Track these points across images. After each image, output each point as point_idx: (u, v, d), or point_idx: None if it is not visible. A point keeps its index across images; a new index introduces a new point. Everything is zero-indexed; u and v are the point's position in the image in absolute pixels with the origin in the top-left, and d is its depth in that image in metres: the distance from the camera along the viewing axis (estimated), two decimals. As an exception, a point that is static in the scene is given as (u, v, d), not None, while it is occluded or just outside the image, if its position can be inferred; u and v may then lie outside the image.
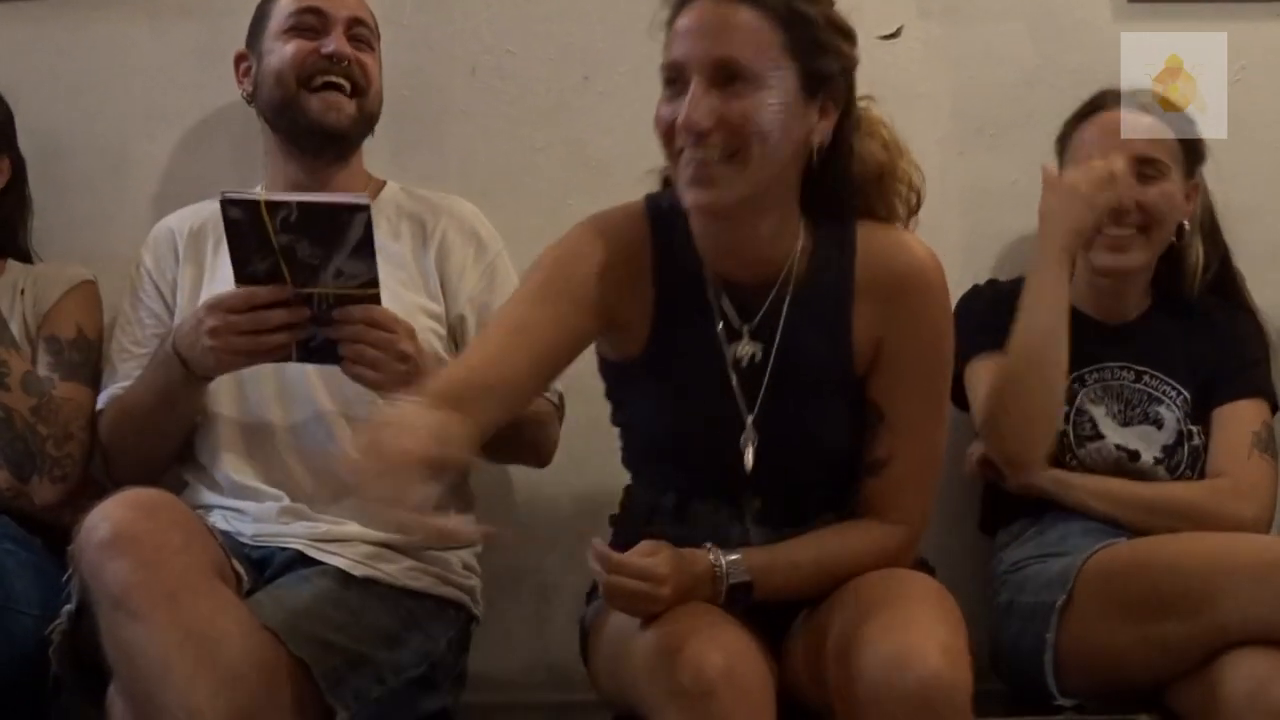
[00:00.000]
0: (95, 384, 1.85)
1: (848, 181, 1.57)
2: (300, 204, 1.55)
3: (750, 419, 1.57)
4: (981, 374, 1.86)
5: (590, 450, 1.90)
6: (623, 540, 1.59)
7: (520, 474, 1.92)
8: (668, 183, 1.60)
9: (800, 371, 1.56)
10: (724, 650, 1.40)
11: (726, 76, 1.46)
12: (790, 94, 1.48)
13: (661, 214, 1.59)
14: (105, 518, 1.49)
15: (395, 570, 1.72)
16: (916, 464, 1.58)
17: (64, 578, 1.59)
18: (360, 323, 1.62)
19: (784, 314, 1.57)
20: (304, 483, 1.77)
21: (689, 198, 1.49)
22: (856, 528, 1.58)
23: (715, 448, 1.57)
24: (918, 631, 1.40)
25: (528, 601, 2.06)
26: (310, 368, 1.75)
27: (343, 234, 1.55)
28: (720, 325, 1.57)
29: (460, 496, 1.85)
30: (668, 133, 1.49)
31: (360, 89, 1.85)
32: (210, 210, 1.89)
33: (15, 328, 1.83)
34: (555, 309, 1.53)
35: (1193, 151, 1.92)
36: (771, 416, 1.56)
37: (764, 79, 1.46)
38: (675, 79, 1.48)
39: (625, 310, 1.57)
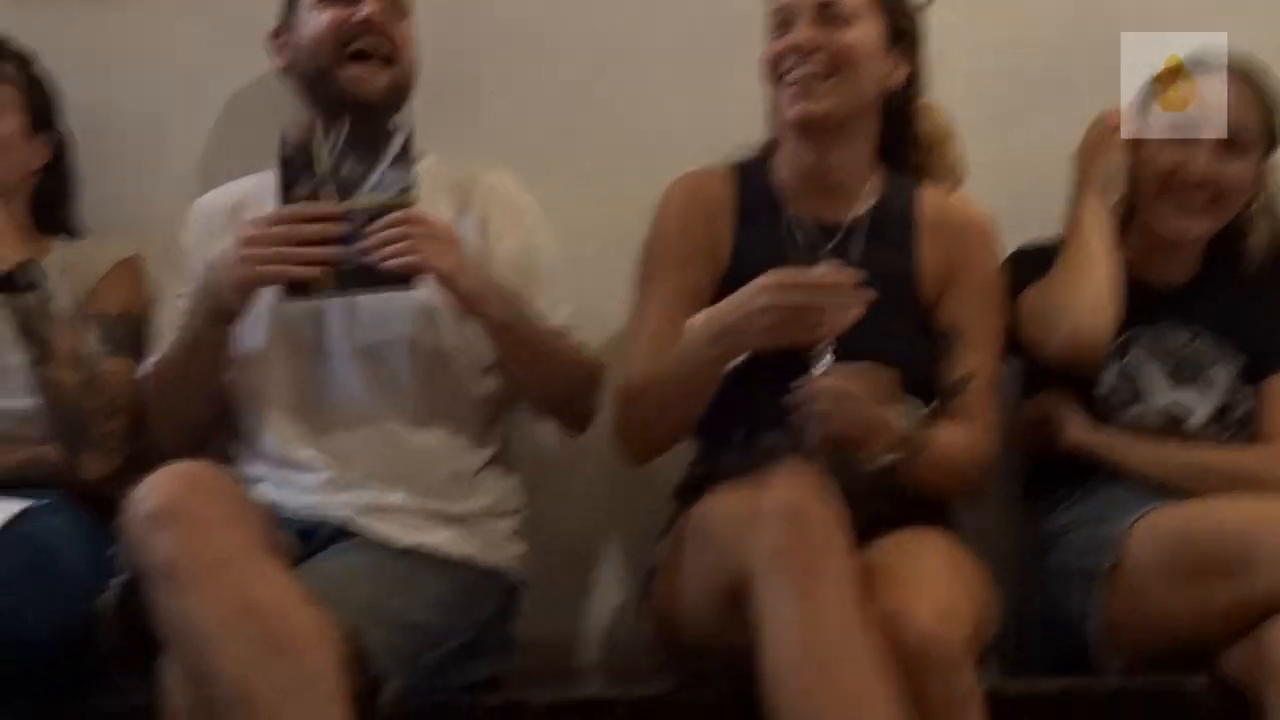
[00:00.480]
0: (141, 359, 1.86)
1: (914, 133, 1.86)
2: (351, 122, 1.69)
3: None
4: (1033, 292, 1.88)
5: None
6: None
7: (564, 442, 1.93)
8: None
9: (873, 290, 1.68)
10: (814, 488, 1.53)
11: (828, 16, 1.77)
12: (877, 37, 1.79)
13: (747, 166, 1.87)
14: (152, 490, 1.50)
15: (440, 539, 1.73)
16: (989, 377, 1.80)
17: (114, 550, 1.60)
18: (400, 223, 1.66)
19: (858, 241, 1.79)
20: (349, 453, 1.77)
21: (793, 112, 1.77)
22: (959, 425, 1.74)
23: (790, 363, 1.65)
24: (913, 591, 1.54)
25: (573, 568, 2.07)
26: (349, 345, 1.78)
27: (386, 145, 1.67)
28: (798, 248, 1.78)
29: (502, 464, 1.86)
30: (774, 62, 1.79)
31: (393, 58, 1.85)
32: (248, 186, 1.90)
33: (63, 304, 1.84)
34: (683, 276, 1.80)
35: (1275, 133, 1.90)
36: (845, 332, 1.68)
37: (858, 20, 1.77)
38: (783, 23, 1.79)
39: (713, 248, 1.81)
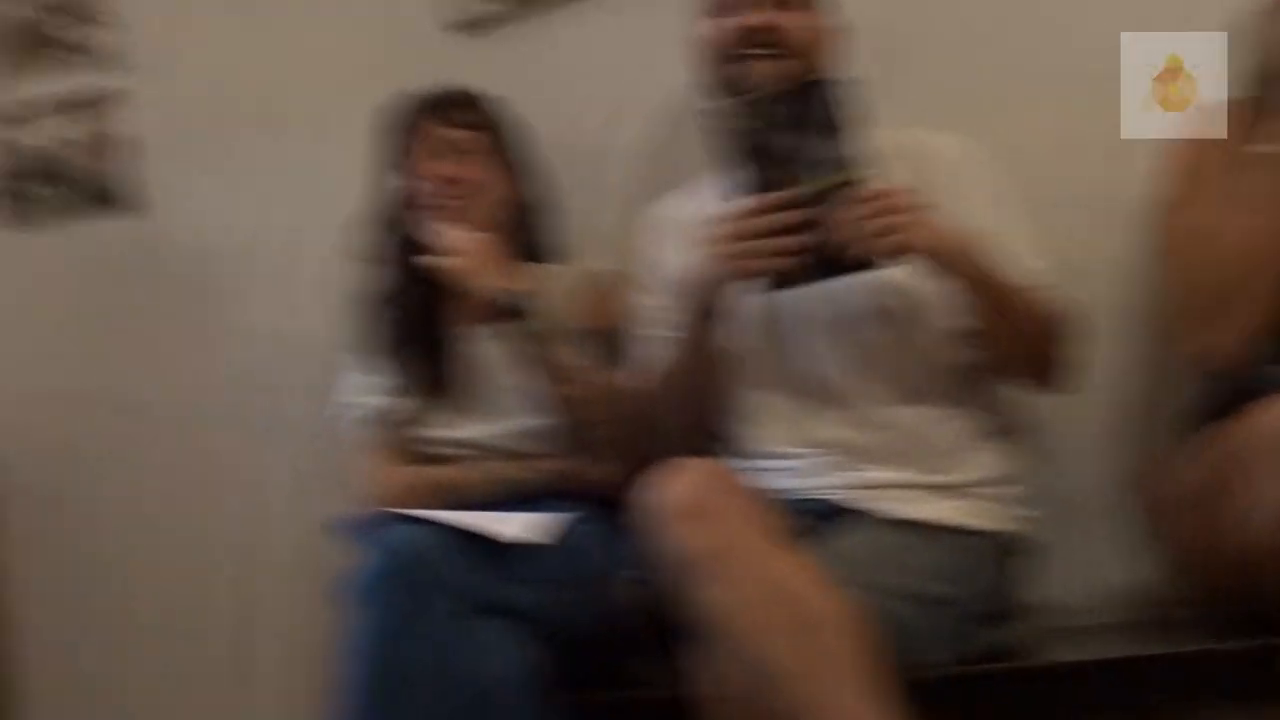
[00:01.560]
0: (618, 369, 1.95)
1: None
2: (771, 94, 1.64)
3: None
4: None
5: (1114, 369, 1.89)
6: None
7: (1052, 401, 1.90)
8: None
9: None
10: None
11: None
12: None
13: None
14: (671, 488, 1.57)
15: (940, 510, 1.73)
16: None
17: (631, 545, 1.68)
18: (863, 202, 1.64)
19: None
20: (836, 437, 1.80)
21: None
22: None
23: None
24: None
25: (1081, 527, 2.02)
26: (821, 326, 1.80)
27: (810, 114, 1.62)
28: None
29: (995, 432, 1.84)
30: None
31: (784, 52, 1.84)
32: (692, 198, 1.95)
33: (555, 325, 1.95)
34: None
35: None
36: None
37: None
38: None
39: None
